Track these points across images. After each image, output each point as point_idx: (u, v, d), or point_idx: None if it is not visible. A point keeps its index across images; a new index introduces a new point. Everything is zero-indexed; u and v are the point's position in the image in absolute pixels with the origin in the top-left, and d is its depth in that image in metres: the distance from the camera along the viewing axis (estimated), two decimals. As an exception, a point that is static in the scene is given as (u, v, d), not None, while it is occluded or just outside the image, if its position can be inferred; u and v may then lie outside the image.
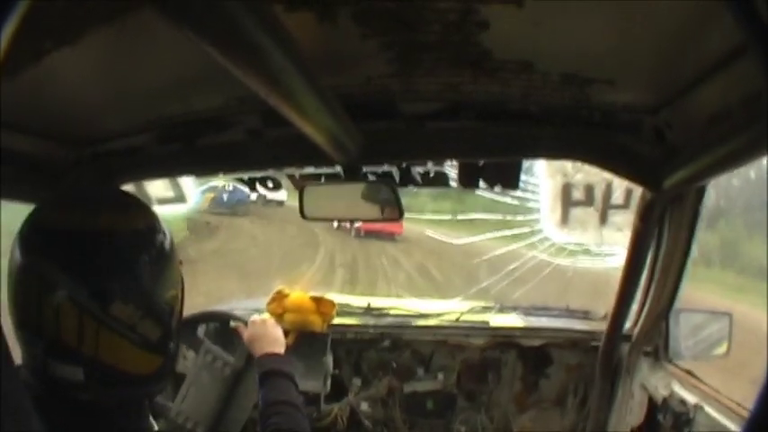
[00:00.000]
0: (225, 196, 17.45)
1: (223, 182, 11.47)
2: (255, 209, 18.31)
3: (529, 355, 2.29)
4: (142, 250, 0.91)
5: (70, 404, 0.90)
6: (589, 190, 2.06)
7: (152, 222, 0.95)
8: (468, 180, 1.60)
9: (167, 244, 0.95)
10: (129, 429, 0.97)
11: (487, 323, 2.35)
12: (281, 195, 13.44)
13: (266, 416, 1.30)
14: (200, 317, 2.17)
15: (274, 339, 1.59)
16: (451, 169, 1.65)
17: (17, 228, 0.92)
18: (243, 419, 2.03)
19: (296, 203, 1.65)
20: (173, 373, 1.05)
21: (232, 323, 1.84)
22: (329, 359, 2.22)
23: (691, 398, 1.57)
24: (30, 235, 0.90)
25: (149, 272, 0.91)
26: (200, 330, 2.18)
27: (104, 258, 0.88)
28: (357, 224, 14.84)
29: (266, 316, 2.26)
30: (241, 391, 2.04)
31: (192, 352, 2.19)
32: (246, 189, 1.82)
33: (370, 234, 17.09)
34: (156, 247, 0.93)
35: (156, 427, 1.06)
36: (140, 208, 0.97)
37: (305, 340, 2.23)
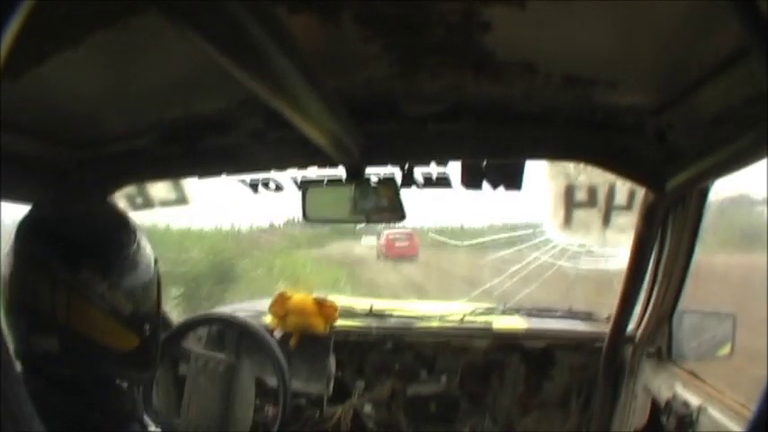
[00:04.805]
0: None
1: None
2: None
3: (532, 357, 2.28)
4: (113, 232, 1.02)
5: (52, 382, 0.95)
6: (592, 191, 2.05)
7: (122, 215, 1.08)
8: (471, 181, 1.60)
9: (136, 233, 1.05)
10: (111, 414, 1.00)
11: (490, 325, 2.35)
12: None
13: None
14: (202, 319, 2.17)
15: None
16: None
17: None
18: (249, 417, 2.04)
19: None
20: (155, 364, 1.10)
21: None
22: (332, 361, 2.22)
23: (694, 399, 1.56)
24: (20, 226, 1.01)
25: (119, 251, 1.00)
26: (202, 332, 2.18)
27: (77, 235, 0.99)
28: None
29: (269, 318, 2.28)
30: (238, 385, 2.06)
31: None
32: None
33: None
34: (125, 233, 1.03)
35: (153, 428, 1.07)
36: (113, 206, 1.19)
37: (307, 342, 2.23)
